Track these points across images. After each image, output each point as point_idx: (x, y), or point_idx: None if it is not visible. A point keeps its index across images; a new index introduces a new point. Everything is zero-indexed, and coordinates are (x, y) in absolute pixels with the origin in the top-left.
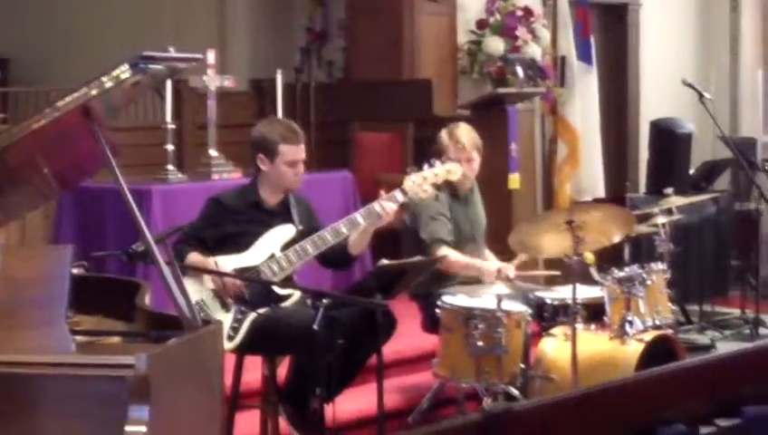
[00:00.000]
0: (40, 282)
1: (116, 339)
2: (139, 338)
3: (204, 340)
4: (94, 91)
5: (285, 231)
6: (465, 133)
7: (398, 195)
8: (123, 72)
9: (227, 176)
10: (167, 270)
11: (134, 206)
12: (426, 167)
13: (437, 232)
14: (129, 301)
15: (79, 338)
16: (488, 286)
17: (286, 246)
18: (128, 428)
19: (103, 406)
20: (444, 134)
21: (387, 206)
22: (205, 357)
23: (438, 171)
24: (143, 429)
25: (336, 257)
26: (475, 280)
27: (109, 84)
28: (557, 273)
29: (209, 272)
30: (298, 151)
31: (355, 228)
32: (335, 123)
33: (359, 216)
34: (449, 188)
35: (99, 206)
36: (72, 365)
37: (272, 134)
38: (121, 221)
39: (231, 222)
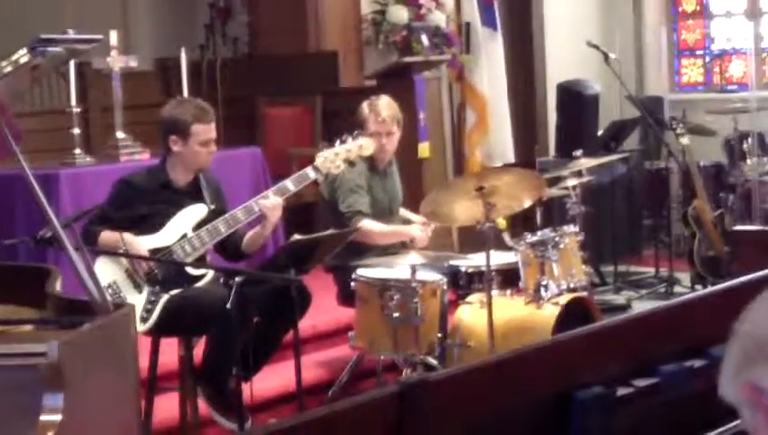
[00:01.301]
0: None
1: (28, 327)
2: (51, 325)
3: (116, 324)
4: None
5: (197, 211)
6: (386, 106)
7: (309, 172)
8: (21, 55)
9: (136, 157)
10: (75, 255)
11: (39, 191)
12: (337, 142)
13: (356, 204)
14: (39, 288)
15: None
16: (402, 257)
17: (198, 226)
18: (43, 416)
19: (17, 395)
20: (364, 107)
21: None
22: (118, 341)
23: (350, 147)
24: (58, 417)
25: (228, 249)
26: (389, 252)
27: (7, 69)
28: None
29: (122, 254)
30: (210, 130)
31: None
32: (242, 99)
33: (271, 192)
34: (367, 162)
35: (7, 192)
36: None
37: (183, 115)
38: (30, 207)
39: (141, 203)
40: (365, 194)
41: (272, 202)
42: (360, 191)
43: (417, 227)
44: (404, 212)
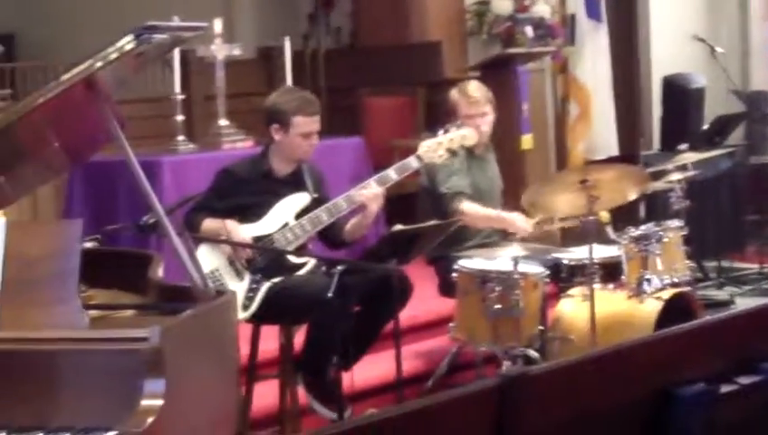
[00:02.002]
0: (51, 258)
1: (130, 312)
2: (153, 311)
3: (217, 311)
4: (99, 64)
5: (299, 199)
6: (476, 88)
7: (412, 161)
8: (127, 42)
9: (239, 145)
10: (178, 241)
11: (143, 178)
12: (440, 132)
13: (457, 185)
14: (141, 274)
15: (92, 312)
16: (504, 249)
17: (300, 215)
18: (143, 401)
19: (119, 380)
20: (454, 92)
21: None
22: (219, 329)
23: (453, 136)
24: (159, 402)
25: (329, 236)
26: (491, 243)
27: (113, 56)
28: (574, 224)
29: (224, 241)
30: (313, 123)
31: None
32: (345, 89)
33: (373, 181)
34: (466, 148)
35: (110, 179)
36: (86, 340)
37: (287, 105)
38: (133, 194)
39: (242, 193)
40: (465, 176)
41: (373, 192)
42: (460, 173)
43: (520, 217)
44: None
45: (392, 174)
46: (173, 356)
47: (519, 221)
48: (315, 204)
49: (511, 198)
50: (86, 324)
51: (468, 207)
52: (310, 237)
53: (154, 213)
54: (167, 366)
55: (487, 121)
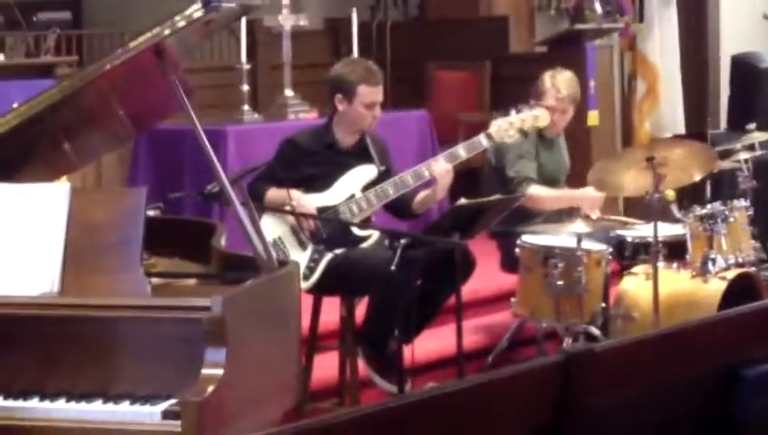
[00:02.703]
0: (115, 225)
1: (192, 281)
2: (216, 280)
3: (280, 282)
4: (167, 31)
5: (367, 171)
6: (567, 85)
7: (482, 139)
8: (196, 10)
9: (303, 116)
10: (242, 211)
11: (208, 146)
12: (512, 111)
13: (525, 170)
14: (204, 243)
15: (155, 280)
16: (568, 224)
17: (366, 187)
18: (204, 370)
19: (180, 348)
20: (546, 79)
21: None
22: (281, 299)
23: (525, 117)
24: (220, 372)
25: (398, 208)
26: (554, 219)
27: (181, 24)
28: (639, 222)
29: (288, 212)
30: (376, 93)
31: (433, 170)
32: (411, 62)
33: (442, 158)
34: (537, 130)
35: (175, 148)
36: (148, 308)
37: (351, 75)
38: (198, 162)
39: (306, 164)
40: (533, 160)
41: (443, 167)
42: (529, 157)
43: (590, 189)
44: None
45: (461, 151)
46: (234, 326)
47: (590, 193)
48: (382, 177)
49: (577, 175)
50: (148, 292)
51: (535, 190)
52: (374, 210)
53: (218, 182)
54: (228, 336)
55: (566, 118)
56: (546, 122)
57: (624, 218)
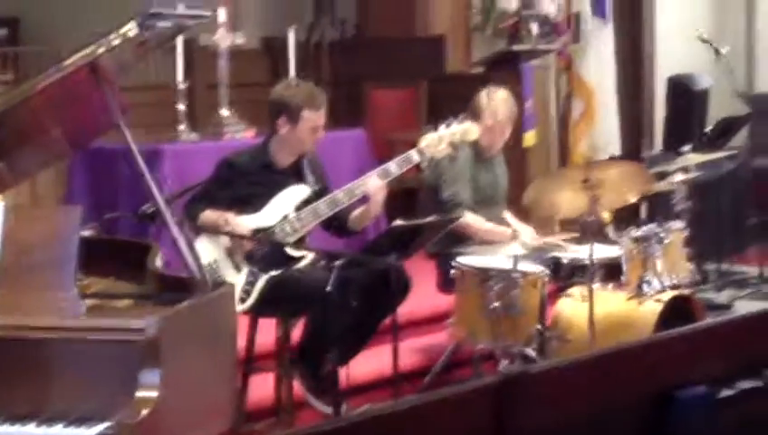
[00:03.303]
0: (49, 244)
1: (127, 302)
2: (150, 301)
3: (215, 302)
4: (101, 50)
5: (299, 191)
6: (505, 104)
7: (413, 154)
8: (130, 29)
9: (240, 135)
10: (177, 231)
11: (143, 165)
12: (442, 126)
13: (459, 195)
14: (140, 263)
15: (89, 301)
16: (504, 246)
17: (300, 207)
18: (139, 393)
19: (115, 369)
20: (483, 97)
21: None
22: (216, 320)
23: (455, 130)
24: (155, 394)
25: (335, 225)
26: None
27: (116, 42)
28: (574, 235)
29: (223, 232)
30: (320, 117)
31: (366, 188)
32: (348, 82)
33: (375, 175)
34: (473, 148)
35: (111, 166)
36: (81, 329)
37: (295, 98)
38: (134, 182)
39: (243, 184)
40: (467, 183)
41: (375, 184)
42: (464, 180)
43: (527, 232)
44: (510, 219)
45: (393, 167)
46: (169, 347)
47: (524, 237)
48: (316, 196)
49: (513, 196)
50: (83, 313)
51: (470, 219)
52: (309, 230)
53: (153, 202)
54: (162, 357)
55: (504, 138)
56: (475, 135)
57: (560, 236)
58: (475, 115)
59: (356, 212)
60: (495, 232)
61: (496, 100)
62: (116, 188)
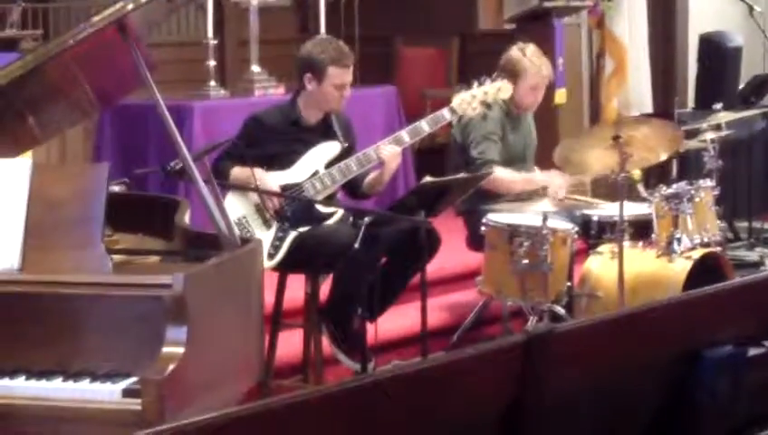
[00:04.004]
0: (76, 201)
1: (155, 258)
2: (178, 257)
3: (243, 259)
4: (130, 6)
5: (330, 148)
6: (546, 61)
7: (445, 113)
8: None
9: (271, 92)
10: (204, 188)
11: (171, 122)
12: (475, 84)
13: (489, 152)
14: (168, 219)
15: (117, 257)
16: (534, 203)
17: (330, 164)
18: (165, 348)
19: (140, 326)
20: (520, 56)
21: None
22: (244, 277)
23: (488, 89)
24: (181, 350)
25: (349, 187)
26: (521, 198)
27: None
28: (604, 202)
29: (252, 189)
30: (346, 74)
31: (400, 145)
32: (379, 38)
33: (404, 133)
34: (504, 106)
35: (141, 123)
36: (108, 285)
37: (322, 55)
38: (163, 138)
39: (271, 141)
40: (498, 141)
41: (393, 151)
42: (493, 138)
43: (556, 174)
44: (539, 174)
45: (425, 126)
46: (196, 304)
47: (555, 179)
48: (345, 153)
49: (543, 154)
50: (109, 269)
51: (500, 173)
52: (338, 187)
53: (181, 158)
54: (189, 314)
55: (540, 97)
56: (509, 94)
57: (588, 199)
58: (514, 74)
59: (371, 176)
60: (528, 180)
61: (537, 57)
62: (145, 145)
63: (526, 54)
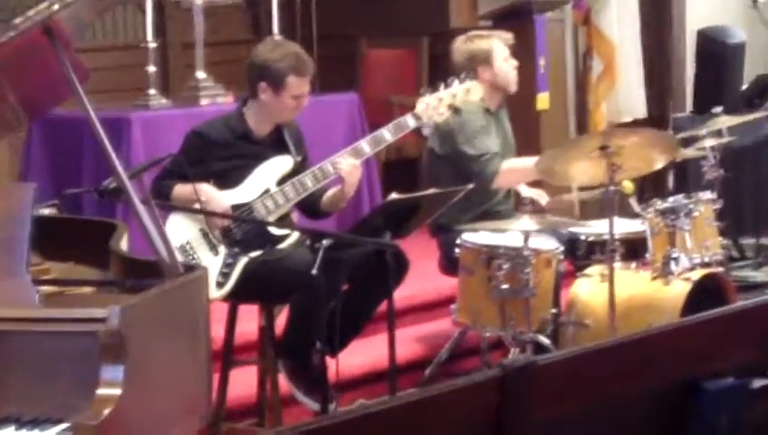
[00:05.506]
0: None
1: (88, 289)
2: (114, 287)
3: (187, 288)
4: (56, 6)
5: (282, 163)
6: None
7: (409, 120)
8: None
9: (219, 100)
10: (142, 209)
11: (103, 136)
12: (441, 86)
13: (490, 145)
14: (103, 245)
15: (45, 288)
16: (513, 221)
17: (283, 181)
18: (100, 390)
19: (73, 365)
20: (479, 41)
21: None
22: (189, 308)
23: (456, 91)
24: (118, 391)
25: (306, 205)
26: (499, 214)
27: None
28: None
29: (198, 211)
30: (306, 84)
31: (359, 157)
32: (340, 39)
33: (364, 143)
34: (480, 104)
35: (74, 138)
36: (35, 320)
37: (280, 63)
38: (99, 154)
39: (217, 157)
40: (491, 134)
41: (349, 163)
42: (486, 131)
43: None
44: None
45: (386, 134)
46: (134, 339)
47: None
48: (299, 168)
49: None
50: (36, 302)
51: (507, 164)
52: (293, 207)
53: (116, 176)
54: (127, 351)
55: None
56: (479, 95)
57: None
58: (483, 62)
59: (330, 192)
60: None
61: (498, 33)
62: (79, 162)
63: (479, 36)
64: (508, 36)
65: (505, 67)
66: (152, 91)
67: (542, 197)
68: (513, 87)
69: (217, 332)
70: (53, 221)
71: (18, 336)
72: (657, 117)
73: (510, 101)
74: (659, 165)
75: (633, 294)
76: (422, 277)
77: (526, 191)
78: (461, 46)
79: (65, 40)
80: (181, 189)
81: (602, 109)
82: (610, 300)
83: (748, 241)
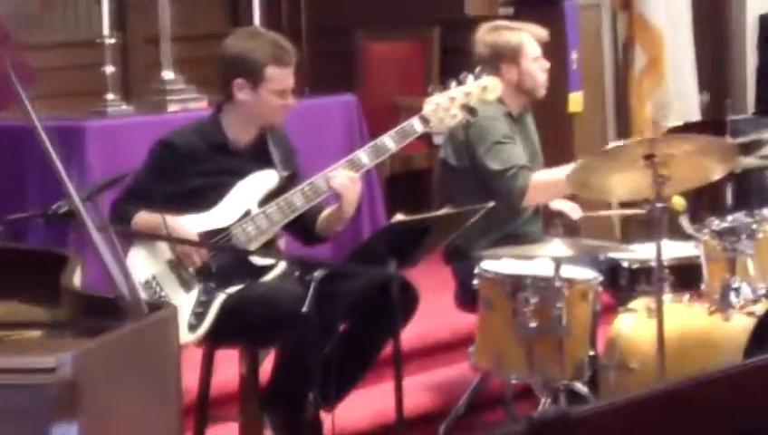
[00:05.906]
0: None
1: (35, 332)
2: (66, 330)
3: (152, 331)
4: None
5: (264, 179)
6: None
7: (415, 123)
8: None
9: (190, 106)
10: (98, 237)
11: (52, 150)
12: (453, 84)
13: (517, 157)
14: (53, 280)
15: None
16: (543, 246)
17: (266, 200)
18: None
19: (16, 424)
20: (508, 32)
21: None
22: (155, 354)
23: (470, 89)
24: None
25: (298, 228)
26: (525, 238)
27: None
28: (640, 211)
29: (163, 238)
30: (289, 76)
31: (357, 169)
32: (334, 31)
33: (363, 154)
34: (501, 108)
35: (17, 151)
36: None
37: (256, 52)
38: (45, 171)
39: (189, 173)
40: (516, 142)
41: (346, 176)
42: (510, 141)
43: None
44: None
45: (389, 142)
46: (90, 392)
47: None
48: (286, 184)
49: None
50: None
51: (537, 177)
52: (280, 231)
53: (67, 198)
54: (81, 405)
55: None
56: (497, 93)
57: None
58: (509, 59)
59: (326, 212)
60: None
61: (530, 27)
62: (24, 180)
63: (508, 27)
64: (542, 33)
65: (534, 68)
66: (110, 96)
67: (574, 211)
68: (541, 91)
69: (191, 381)
70: None
71: None
72: (713, 119)
73: (536, 102)
74: (716, 177)
75: (686, 332)
76: (434, 313)
77: (555, 204)
78: (485, 36)
79: (4, 35)
80: (144, 217)
81: (647, 110)
82: (659, 339)
83: None
